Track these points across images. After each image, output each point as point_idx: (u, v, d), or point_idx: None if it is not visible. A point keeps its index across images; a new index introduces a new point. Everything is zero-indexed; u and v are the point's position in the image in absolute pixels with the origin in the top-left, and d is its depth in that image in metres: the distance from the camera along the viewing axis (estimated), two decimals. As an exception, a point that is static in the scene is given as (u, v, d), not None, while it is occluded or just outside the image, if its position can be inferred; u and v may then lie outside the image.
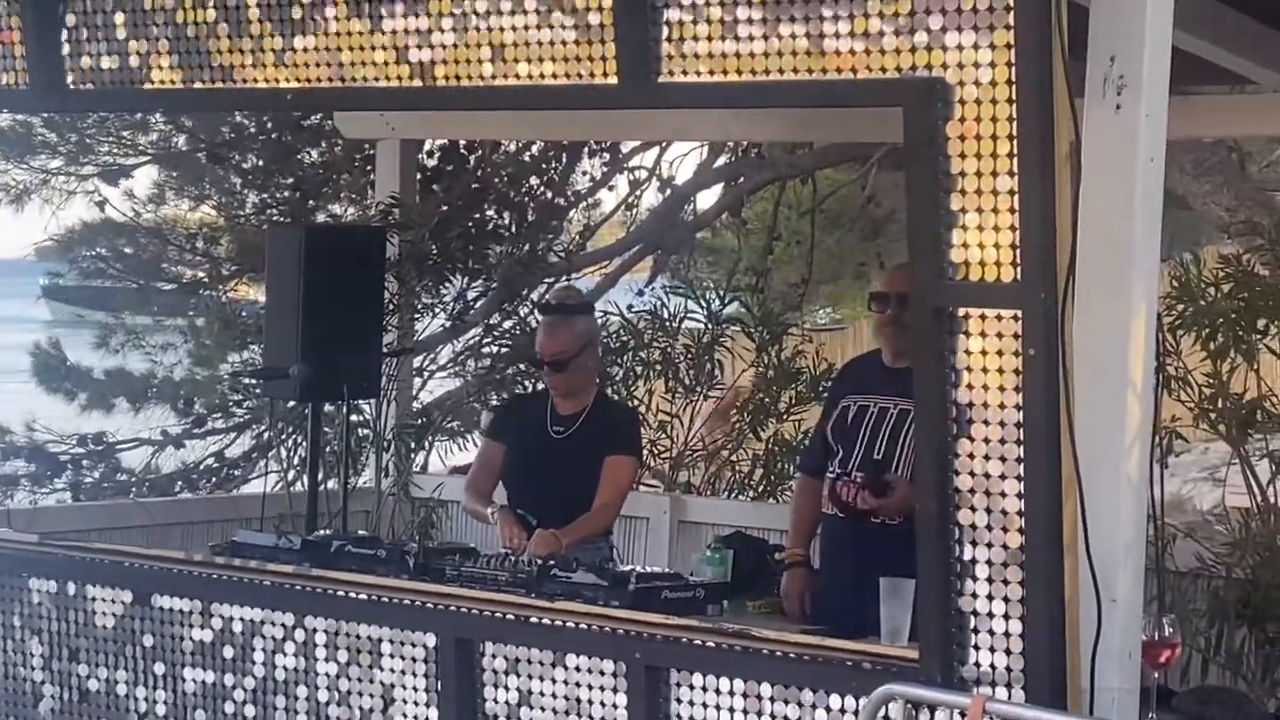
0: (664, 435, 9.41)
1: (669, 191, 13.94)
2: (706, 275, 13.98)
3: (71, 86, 5.82)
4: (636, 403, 9.23)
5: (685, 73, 4.83)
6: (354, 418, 8.96)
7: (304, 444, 8.73)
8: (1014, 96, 4.41)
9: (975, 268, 4.50)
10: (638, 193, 14.19)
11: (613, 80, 4.91)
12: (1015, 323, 4.47)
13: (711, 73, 4.80)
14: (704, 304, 9.54)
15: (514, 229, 12.20)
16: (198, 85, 5.55)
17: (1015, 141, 4.41)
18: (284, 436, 10.36)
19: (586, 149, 13.30)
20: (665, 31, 4.84)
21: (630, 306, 10.16)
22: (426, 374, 11.68)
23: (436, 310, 9.40)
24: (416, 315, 9.30)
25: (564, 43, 4.98)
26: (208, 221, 12.44)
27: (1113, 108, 4.60)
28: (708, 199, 14.24)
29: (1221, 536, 7.39)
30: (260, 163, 12.42)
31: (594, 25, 4.93)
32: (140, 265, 12.22)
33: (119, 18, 5.68)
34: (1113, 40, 4.60)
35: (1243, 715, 5.32)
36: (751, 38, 4.72)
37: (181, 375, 12.33)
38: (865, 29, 4.58)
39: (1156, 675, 5.11)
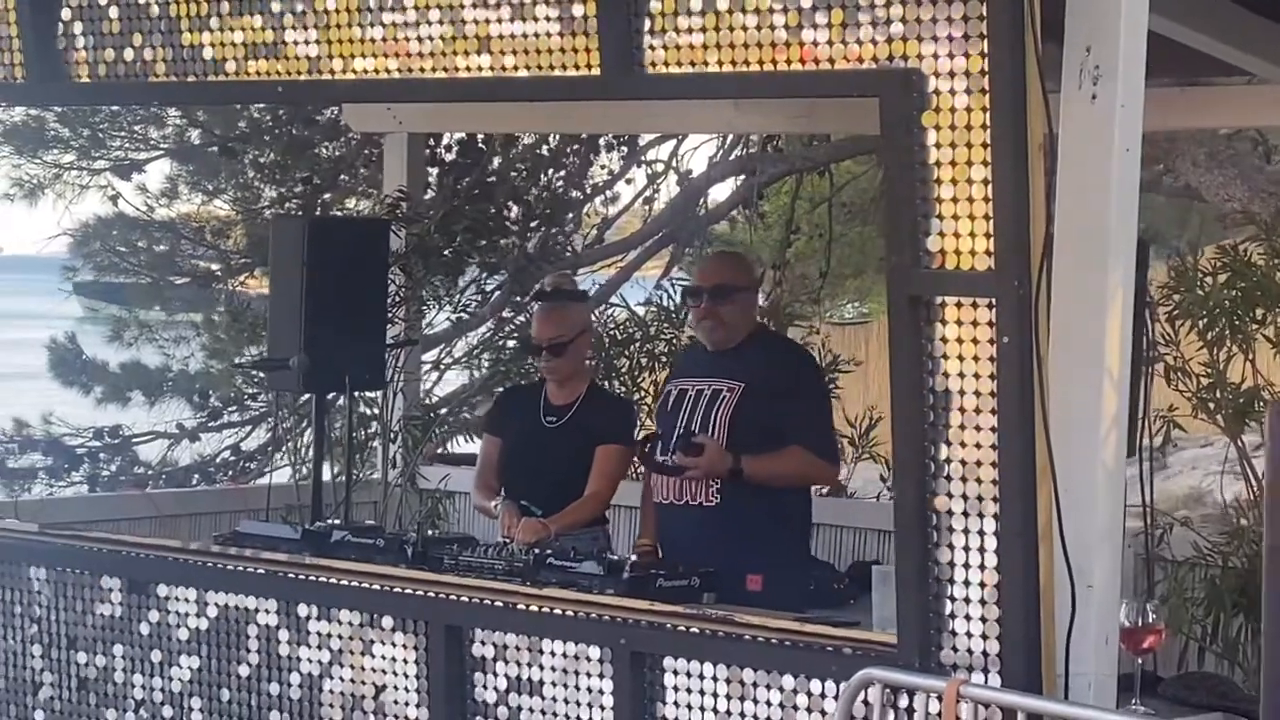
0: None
1: (683, 185, 13.99)
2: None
3: (69, 79, 5.89)
4: (642, 395, 9.28)
5: (667, 64, 4.88)
6: (365, 410, 9.05)
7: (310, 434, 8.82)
8: (987, 87, 4.45)
9: (951, 256, 4.54)
10: (655, 186, 14.24)
11: (595, 71, 4.96)
12: (990, 311, 4.51)
13: (693, 64, 4.84)
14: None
15: (524, 222, 12.27)
16: (190, 79, 5.61)
17: (989, 132, 4.45)
18: (297, 429, 10.46)
19: (604, 142, 13.35)
20: (648, 23, 4.89)
21: (648, 300, 10.20)
22: (443, 367, 11.79)
23: (443, 303, 9.44)
24: (424, 308, 9.35)
25: (547, 34, 5.02)
26: (220, 215, 12.52)
27: (1088, 98, 4.63)
28: (723, 192, 14.31)
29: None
30: (275, 156, 12.52)
31: (577, 17, 4.98)
32: (154, 259, 12.30)
33: (114, 11, 5.75)
34: (1088, 30, 4.63)
35: (1228, 701, 5.35)
36: (731, 28, 4.76)
37: (196, 368, 12.44)
38: (843, 20, 4.62)
39: (1140, 661, 5.16)
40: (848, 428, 9.97)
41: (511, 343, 10.45)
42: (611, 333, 9.54)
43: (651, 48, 4.89)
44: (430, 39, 5.20)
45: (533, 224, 12.76)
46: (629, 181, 14.21)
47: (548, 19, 5.02)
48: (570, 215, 13.42)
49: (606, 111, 8.74)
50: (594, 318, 9.23)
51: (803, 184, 14.51)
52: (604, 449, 7.08)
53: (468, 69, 5.15)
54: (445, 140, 11.99)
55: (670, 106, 8.21)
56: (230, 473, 12.34)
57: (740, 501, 6.41)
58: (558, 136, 12.66)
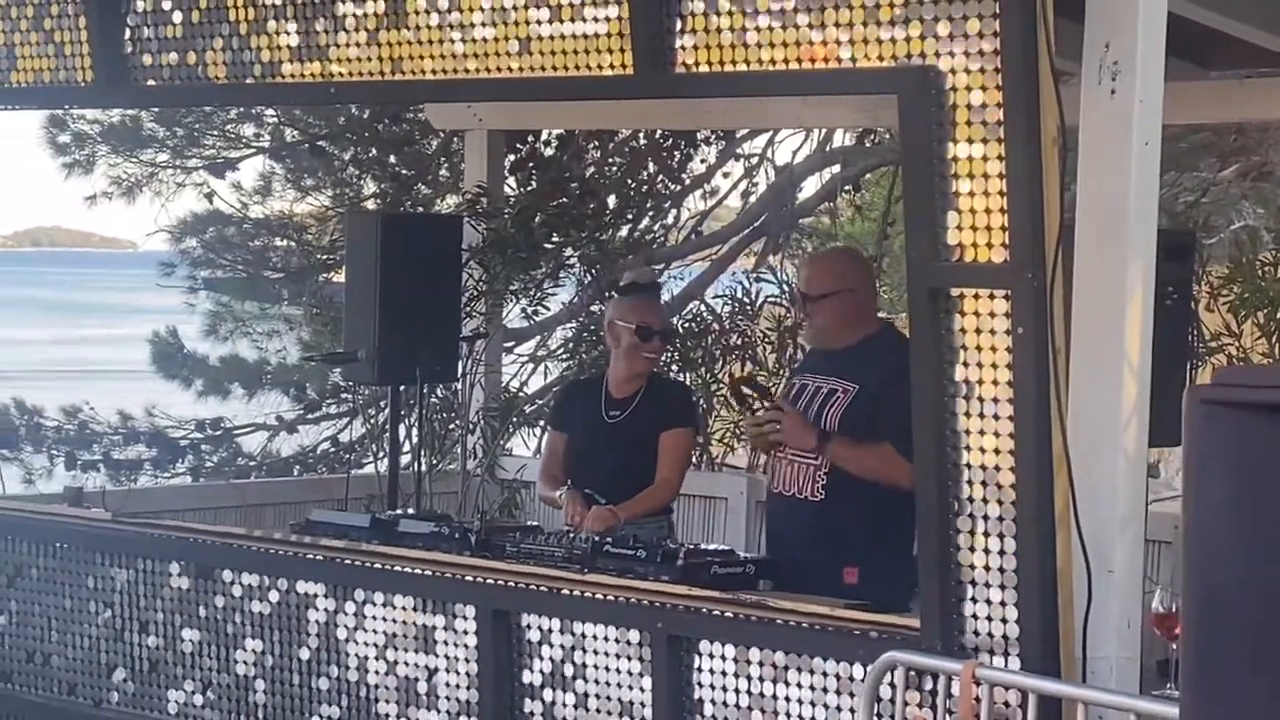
0: (745, 418, 9.53)
1: (776, 178, 14.08)
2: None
3: (134, 82, 6.11)
4: (719, 386, 9.40)
5: (697, 64, 5.02)
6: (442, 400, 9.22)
7: (405, 426, 9.00)
8: (1001, 84, 4.55)
9: (968, 249, 4.65)
10: (753, 179, 14.33)
11: (629, 71, 5.11)
12: (1006, 302, 4.62)
13: (723, 63, 4.98)
14: (788, 288, 9.67)
15: (614, 216, 12.41)
16: (248, 80, 5.81)
17: (1003, 127, 4.56)
18: (385, 422, 10.64)
19: (700, 135, 13.46)
20: (679, 23, 5.03)
21: (744, 292, 10.27)
22: (538, 360, 11.96)
23: (519, 297, 9.59)
24: (501, 302, 9.51)
25: (584, 35, 5.18)
26: (313, 212, 12.76)
27: (1108, 93, 4.73)
28: (817, 185, 14.38)
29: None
30: (373, 152, 12.74)
31: (612, 18, 5.13)
32: (250, 255, 12.56)
33: (177, 16, 5.96)
34: (1107, 27, 4.73)
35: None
36: (758, 29, 4.90)
37: (294, 362, 12.68)
38: (863, 20, 4.74)
39: (1175, 647, 5.23)
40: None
41: (596, 338, 10.58)
42: (686, 325, 9.66)
43: (682, 48, 5.03)
44: (474, 40, 5.36)
45: (628, 216, 12.91)
46: (726, 175, 14.31)
47: (584, 20, 5.17)
48: (669, 205, 13.53)
49: (671, 107, 8.83)
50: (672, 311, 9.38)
51: (900, 176, 14.53)
52: (669, 434, 7.16)
53: (509, 69, 5.31)
54: (544, 135, 12.15)
55: (744, 102, 8.31)
56: (329, 463, 12.55)
57: (845, 498, 6.44)
58: (659, 130, 12.76)
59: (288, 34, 5.71)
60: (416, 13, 5.47)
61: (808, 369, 6.75)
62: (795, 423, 6.34)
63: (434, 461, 9.04)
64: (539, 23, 5.25)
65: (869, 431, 6.27)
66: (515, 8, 5.29)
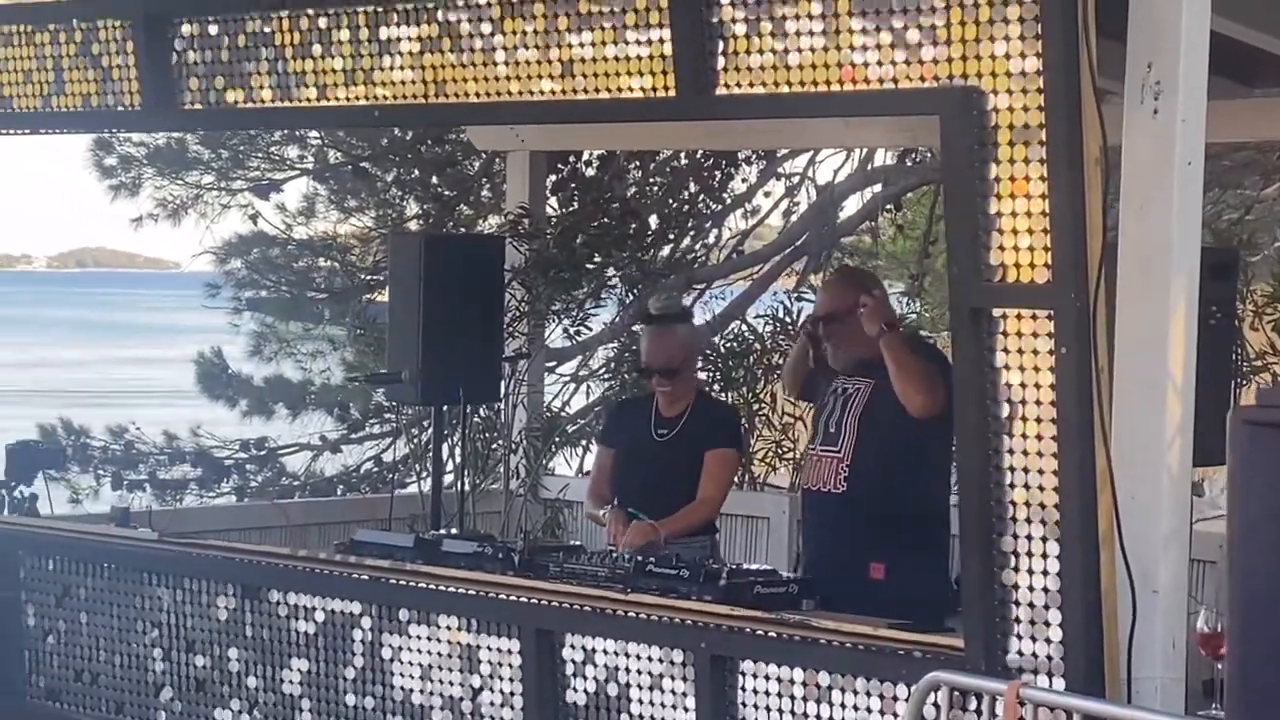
0: (786, 437, 9.58)
1: (818, 197, 14.08)
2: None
3: (181, 106, 6.16)
4: (760, 406, 9.42)
5: (740, 85, 5.04)
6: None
7: (448, 446, 9.04)
8: (1044, 104, 4.56)
9: (1011, 269, 4.66)
10: (794, 198, 14.34)
11: (671, 94, 5.13)
12: (1049, 322, 4.62)
13: (764, 85, 5.00)
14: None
15: (657, 236, 12.44)
16: (293, 104, 5.85)
17: (1045, 147, 4.57)
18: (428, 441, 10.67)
19: (740, 155, 13.48)
20: (721, 45, 5.05)
21: (779, 314, 10.30)
22: (580, 379, 11.99)
23: (561, 317, 9.62)
24: (544, 322, 9.54)
25: (627, 58, 5.20)
26: (356, 233, 12.81)
27: (1150, 113, 4.73)
28: (857, 204, 14.37)
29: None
30: (416, 173, 12.79)
31: (654, 40, 5.15)
32: (294, 275, 12.61)
33: (224, 41, 6.01)
34: (1149, 47, 4.73)
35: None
36: (800, 50, 4.92)
37: (337, 382, 12.72)
38: (905, 41, 4.75)
39: (1220, 666, 5.21)
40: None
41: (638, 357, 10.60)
42: (730, 345, 9.67)
43: (724, 70, 5.05)
44: (516, 63, 5.39)
45: (669, 236, 12.93)
46: (767, 194, 14.33)
47: (626, 42, 5.19)
48: (710, 225, 13.55)
49: (712, 127, 8.85)
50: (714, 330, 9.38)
51: (941, 195, 14.50)
52: (713, 454, 7.20)
53: (551, 91, 5.34)
54: (586, 155, 12.19)
55: (785, 122, 8.33)
56: (372, 483, 12.59)
57: (865, 488, 6.53)
58: (700, 151, 12.80)
59: (331, 58, 5.75)
60: (460, 36, 5.50)
61: (843, 372, 6.89)
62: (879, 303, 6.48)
63: (477, 481, 9.08)
64: (581, 45, 5.28)
65: (893, 425, 6.38)
66: (557, 30, 5.32)
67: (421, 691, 5.98)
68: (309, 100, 5.80)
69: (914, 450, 6.47)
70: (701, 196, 13.39)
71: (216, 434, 12.96)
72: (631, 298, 11.30)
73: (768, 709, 5.25)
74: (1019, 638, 4.74)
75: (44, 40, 6.46)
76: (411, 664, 6.00)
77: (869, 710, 5.06)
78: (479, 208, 12.81)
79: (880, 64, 4.79)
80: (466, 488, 8.51)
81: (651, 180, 13.25)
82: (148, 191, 12.56)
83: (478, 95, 5.47)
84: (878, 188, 14.06)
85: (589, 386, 11.67)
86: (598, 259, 10.26)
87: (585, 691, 5.63)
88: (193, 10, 6.07)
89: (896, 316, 6.57)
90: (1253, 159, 11.35)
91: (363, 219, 12.81)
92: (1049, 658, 4.70)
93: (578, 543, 6.91)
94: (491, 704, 5.83)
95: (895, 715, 5.01)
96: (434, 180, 12.81)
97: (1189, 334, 4.79)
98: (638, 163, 12.89)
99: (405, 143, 12.52)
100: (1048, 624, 4.70)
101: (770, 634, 5.27)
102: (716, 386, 9.65)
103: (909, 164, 13.84)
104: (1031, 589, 4.71)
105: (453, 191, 12.78)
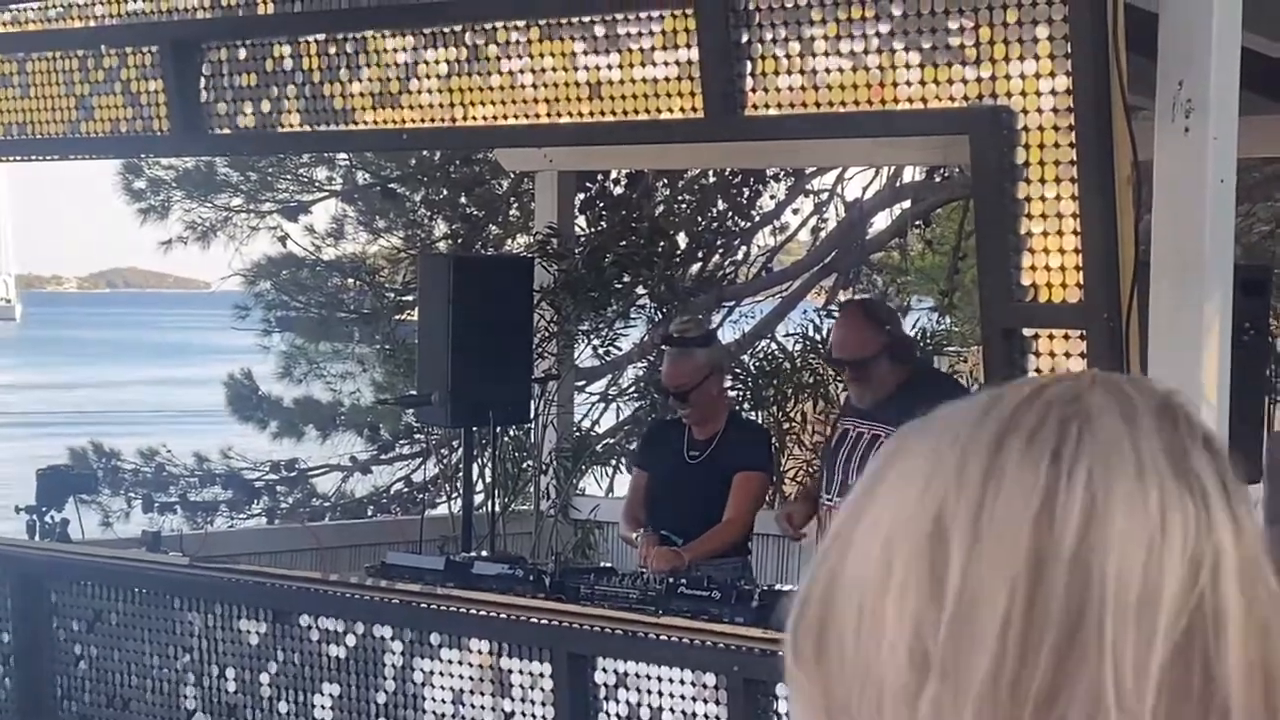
0: (817, 456, 9.54)
1: (846, 214, 14.08)
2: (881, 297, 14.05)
3: (209, 131, 6.16)
4: (790, 424, 9.40)
5: (768, 106, 5.02)
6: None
7: (478, 466, 9.04)
8: (1074, 123, 4.54)
9: (1042, 290, 4.64)
10: (822, 215, 14.34)
11: (699, 115, 5.12)
12: (1081, 342, 4.60)
13: (792, 105, 4.98)
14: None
15: (686, 254, 12.43)
16: (321, 128, 5.85)
17: (1076, 167, 4.54)
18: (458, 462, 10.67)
19: (768, 172, 13.48)
20: (750, 66, 5.04)
21: (808, 332, 10.29)
22: (609, 399, 11.98)
23: (591, 336, 9.62)
24: (574, 342, 9.54)
25: (655, 80, 5.19)
26: (385, 253, 12.84)
27: (1181, 130, 4.70)
28: (886, 221, 14.36)
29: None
30: (444, 193, 12.82)
31: (682, 62, 5.14)
32: (323, 297, 12.64)
33: (251, 65, 6.01)
34: (1179, 64, 4.71)
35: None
36: (828, 70, 4.90)
37: (367, 403, 12.74)
38: (934, 60, 4.74)
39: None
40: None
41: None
42: (760, 364, 9.66)
43: (753, 90, 5.04)
44: (545, 85, 5.39)
45: (698, 254, 12.93)
46: (796, 211, 14.32)
47: (654, 64, 5.18)
48: (738, 242, 13.55)
49: (740, 146, 8.84)
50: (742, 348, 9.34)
51: (970, 211, 14.49)
52: (741, 476, 7.19)
53: (579, 114, 5.33)
54: (614, 174, 12.19)
55: (813, 141, 8.30)
56: (402, 504, 12.60)
57: None
58: (728, 169, 12.81)
59: (360, 81, 5.75)
60: (488, 59, 5.50)
61: (851, 414, 6.88)
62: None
63: (507, 502, 9.07)
64: (609, 67, 5.27)
65: None
66: (585, 53, 5.31)
67: (453, 716, 5.96)
68: (337, 124, 5.80)
69: None
70: (730, 214, 13.40)
71: (247, 456, 12.99)
72: (661, 316, 11.30)
73: (801, 732, 5.22)
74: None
75: (73, 66, 6.47)
76: (443, 688, 5.99)
77: (903, 733, 5.03)
78: (507, 227, 12.83)
79: (909, 84, 4.77)
80: (497, 509, 8.51)
81: (680, 198, 13.26)
82: (177, 214, 12.61)
83: (506, 118, 5.47)
84: (906, 204, 14.07)
85: (619, 406, 11.66)
86: (626, 278, 10.23)
87: (617, 715, 5.60)
88: (221, 35, 6.08)
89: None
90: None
91: (391, 239, 12.84)
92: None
93: (609, 564, 6.88)
94: (523, 728, 5.81)
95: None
96: (462, 200, 12.85)
97: (1222, 351, 4.77)
98: (666, 181, 12.90)
99: (433, 163, 12.55)
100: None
101: (803, 657, 5.23)
102: (746, 405, 9.64)
103: (937, 179, 13.83)
104: (1066, 611, 4.68)
105: (481, 211, 12.81)
